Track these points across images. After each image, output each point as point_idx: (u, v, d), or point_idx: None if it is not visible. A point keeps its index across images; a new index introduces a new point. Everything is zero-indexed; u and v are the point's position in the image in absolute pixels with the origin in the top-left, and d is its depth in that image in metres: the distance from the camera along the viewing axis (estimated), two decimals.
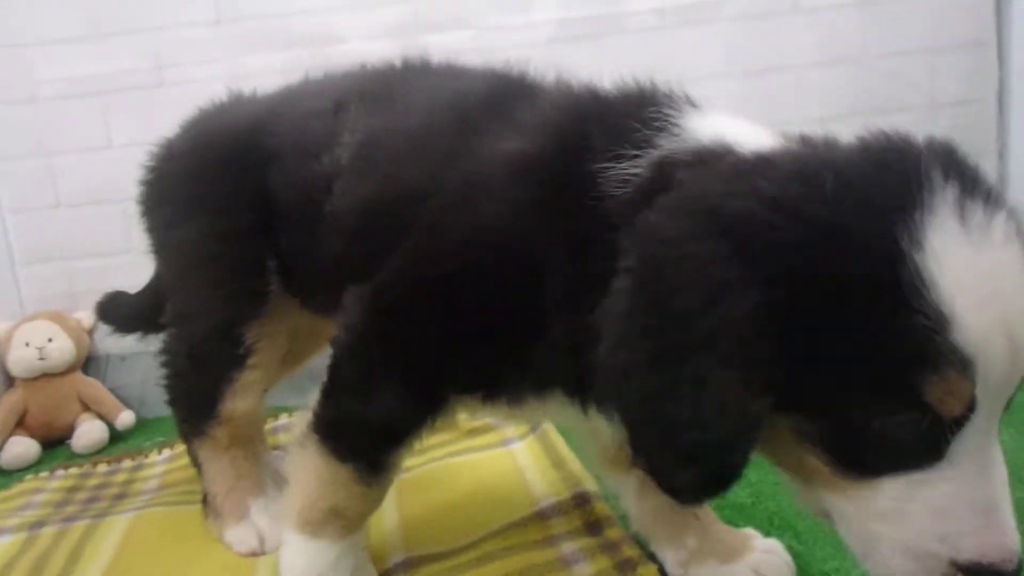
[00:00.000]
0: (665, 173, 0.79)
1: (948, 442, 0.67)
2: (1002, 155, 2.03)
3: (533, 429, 1.60)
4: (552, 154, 0.88)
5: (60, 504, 1.53)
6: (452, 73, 1.15)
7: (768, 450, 0.76)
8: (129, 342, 2.05)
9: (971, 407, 0.65)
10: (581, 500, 1.27)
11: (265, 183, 1.19)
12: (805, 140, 0.79)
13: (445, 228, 0.94)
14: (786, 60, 2.06)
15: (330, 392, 1.02)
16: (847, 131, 2.20)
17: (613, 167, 0.82)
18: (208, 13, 2.02)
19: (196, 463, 1.34)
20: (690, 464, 0.71)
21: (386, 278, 0.98)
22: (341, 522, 1.05)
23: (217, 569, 1.23)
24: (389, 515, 1.34)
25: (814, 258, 0.65)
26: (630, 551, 1.12)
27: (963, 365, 0.63)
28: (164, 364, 1.33)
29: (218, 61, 2.01)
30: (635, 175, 0.81)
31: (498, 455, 1.55)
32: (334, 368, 1.02)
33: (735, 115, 0.88)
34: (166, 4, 2.02)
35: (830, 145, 0.76)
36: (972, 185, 0.66)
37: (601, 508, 1.24)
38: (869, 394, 0.66)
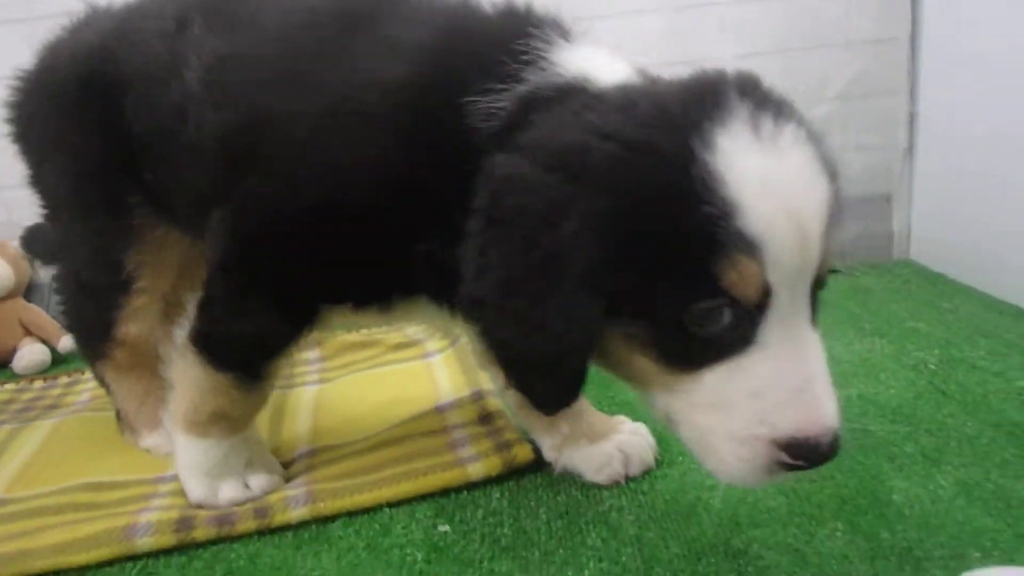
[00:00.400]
0: (528, 108, 0.84)
1: (755, 328, 0.74)
2: (912, 92, 2.11)
3: (453, 342, 1.70)
4: (428, 84, 0.90)
5: None
6: None
7: (603, 358, 0.83)
8: None
9: (767, 292, 0.72)
10: (477, 396, 1.39)
11: (119, 115, 1.16)
12: (647, 77, 0.87)
13: (316, 151, 0.95)
14: None
15: (205, 307, 1.07)
16: (769, 66, 2.25)
17: (481, 100, 0.85)
18: None
19: (103, 384, 1.39)
20: (547, 375, 0.80)
21: (251, 200, 1.00)
22: (226, 423, 1.12)
23: (133, 460, 1.33)
24: (304, 418, 1.45)
25: (627, 171, 0.73)
26: (510, 435, 1.23)
27: (750, 249, 0.70)
28: (57, 291, 1.38)
29: None
30: (502, 109, 0.85)
31: (417, 367, 1.65)
32: (208, 285, 1.07)
33: (602, 48, 0.92)
34: None
35: (662, 81, 0.85)
36: (765, 103, 0.74)
37: (493, 403, 1.35)
38: (678, 287, 0.72)
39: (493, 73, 0.86)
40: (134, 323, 1.29)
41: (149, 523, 1.07)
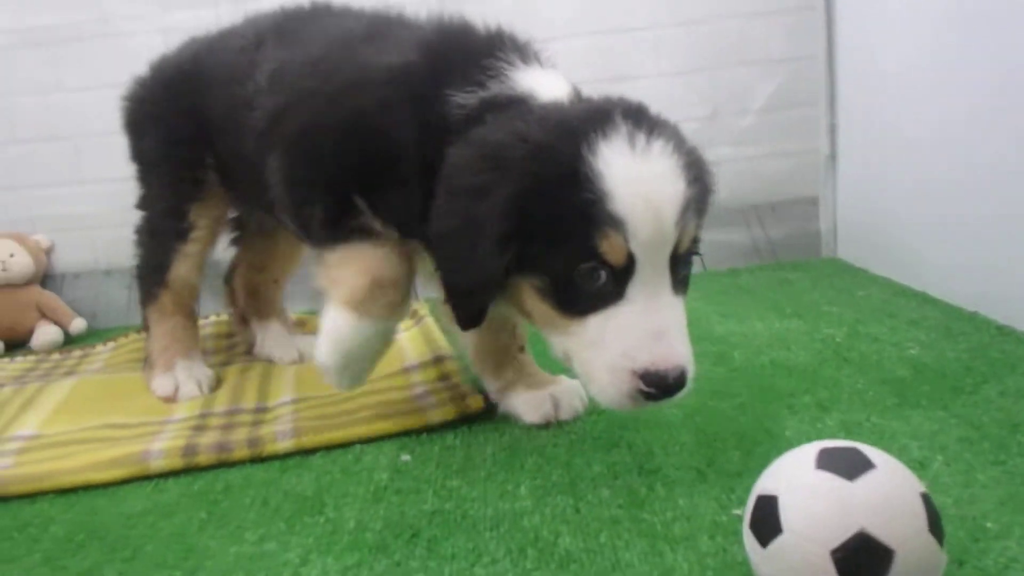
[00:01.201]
0: (485, 108, 1.12)
1: (624, 287, 0.99)
2: (832, 104, 2.32)
3: (417, 322, 1.93)
4: (418, 68, 1.18)
5: (18, 378, 1.83)
6: (347, 13, 1.50)
7: (517, 304, 1.10)
8: (83, 261, 2.34)
9: (632, 259, 0.97)
10: (438, 360, 1.61)
11: (203, 102, 1.54)
12: (575, 95, 1.15)
13: (334, 105, 1.23)
14: (645, 20, 2.35)
15: (301, 212, 1.28)
16: (696, 83, 2.41)
17: (456, 95, 1.14)
18: None
19: (146, 326, 1.69)
20: (464, 301, 1.08)
21: (292, 134, 1.27)
22: (383, 295, 1.19)
23: (143, 408, 1.54)
24: (286, 373, 1.69)
25: (535, 165, 0.99)
26: (465, 388, 1.44)
27: (616, 225, 0.96)
28: (136, 244, 1.69)
29: (155, 16, 2.28)
30: (468, 104, 1.13)
31: None
32: (291, 199, 1.29)
33: (552, 71, 1.20)
34: None
35: (579, 100, 1.13)
36: (642, 124, 1.00)
37: (452, 365, 1.58)
38: (567, 252, 0.99)
39: (469, 77, 1.15)
40: (183, 266, 1.62)
41: (160, 450, 1.28)
